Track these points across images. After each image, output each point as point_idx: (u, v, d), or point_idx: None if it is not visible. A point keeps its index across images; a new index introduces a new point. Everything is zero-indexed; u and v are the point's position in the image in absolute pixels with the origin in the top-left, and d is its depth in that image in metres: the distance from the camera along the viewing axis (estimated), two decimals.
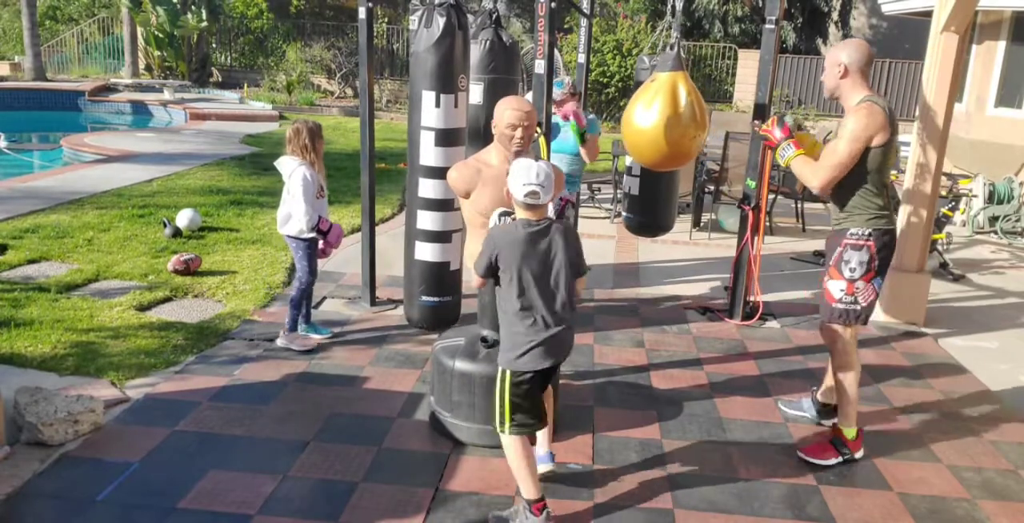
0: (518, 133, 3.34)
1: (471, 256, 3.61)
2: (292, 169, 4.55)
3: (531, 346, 3.00)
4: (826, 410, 4.08)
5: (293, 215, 4.58)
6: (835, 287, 3.68)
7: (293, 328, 4.73)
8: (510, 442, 3.07)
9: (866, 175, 3.57)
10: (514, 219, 3.08)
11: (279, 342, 4.70)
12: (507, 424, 3.06)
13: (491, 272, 3.04)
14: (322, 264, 5.45)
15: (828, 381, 4.06)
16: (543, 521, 3.03)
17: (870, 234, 3.62)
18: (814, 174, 3.59)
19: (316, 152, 4.61)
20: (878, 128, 3.48)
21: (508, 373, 3.05)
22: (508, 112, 3.33)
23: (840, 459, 3.70)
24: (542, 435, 3.41)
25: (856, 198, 3.62)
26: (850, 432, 3.73)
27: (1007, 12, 10.47)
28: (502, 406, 3.07)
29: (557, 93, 5.22)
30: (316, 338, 4.82)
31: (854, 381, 3.73)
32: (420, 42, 4.12)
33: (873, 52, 3.64)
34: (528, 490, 3.05)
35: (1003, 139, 10.29)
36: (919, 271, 5.67)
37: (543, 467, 3.35)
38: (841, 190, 3.64)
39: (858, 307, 3.66)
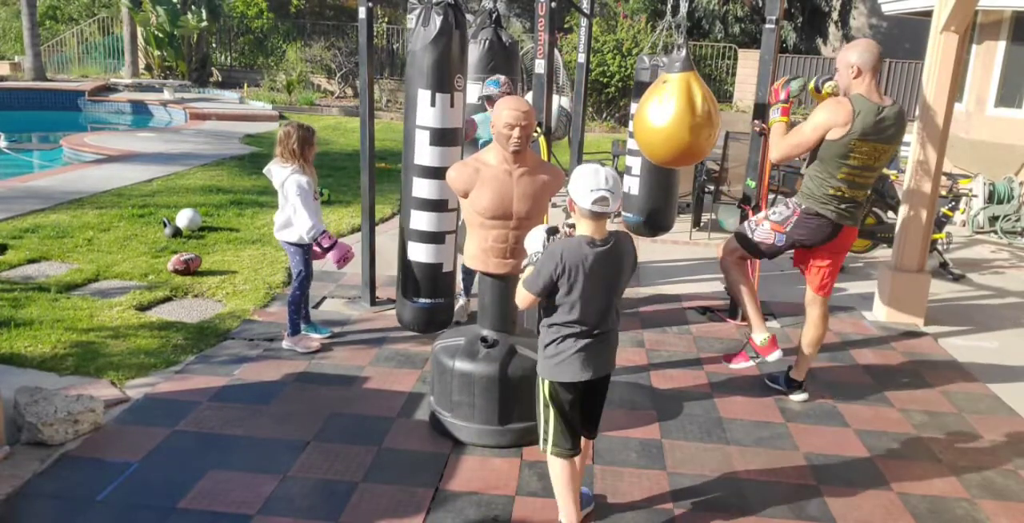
0: (515, 132, 3.35)
1: (472, 256, 3.61)
2: (285, 177, 4.48)
3: (571, 355, 2.84)
4: (795, 384, 4.41)
5: (293, 222, 4.53)
6: (752, 218, 4.33)
7: (295, 331, 4.72)
8: (556, 465, 2.95)
9: (819, 163, 3.96)
10: (569, 234, 2.84)
11: (284, 345, 4.70)
12: (550, 440, 2.92)
13: (548, 291, 2.79)
14: (321, 264, 5.45)
15: (802, 356, 4.40)
16: None
17: (803, 207, 4.07)
18: (775, 147, 4.06)
19: (304, 157, 4.50)
20: (837, 122, 3.81)
21: (547, 383, 2.90)
22: (506, 112, 3.35)
23: (751, 363, 4.29)
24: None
25: (808, 182, 4.05)
26: (759, 337, 4.21)
27: (1007, 12, 10.46)
28: (546, 419, 2.93)
29: (493, 91, 5.05)
30: (318, 338, 4.82)
31: (744, 292, 4.25)
32: (417, 40, 4.12)
33: (881, 51, 3.88)
34: (569, 515, 2.97)
35: (1003, 139, 10.28)
36: (919, 271, 5.67)
37: (584, 509, 3.19)
38: (804, 175, 4.13)
39: (749, 235, 4.22)
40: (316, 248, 4.59)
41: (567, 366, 2.85)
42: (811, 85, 4.29)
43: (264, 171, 4.63)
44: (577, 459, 3.02)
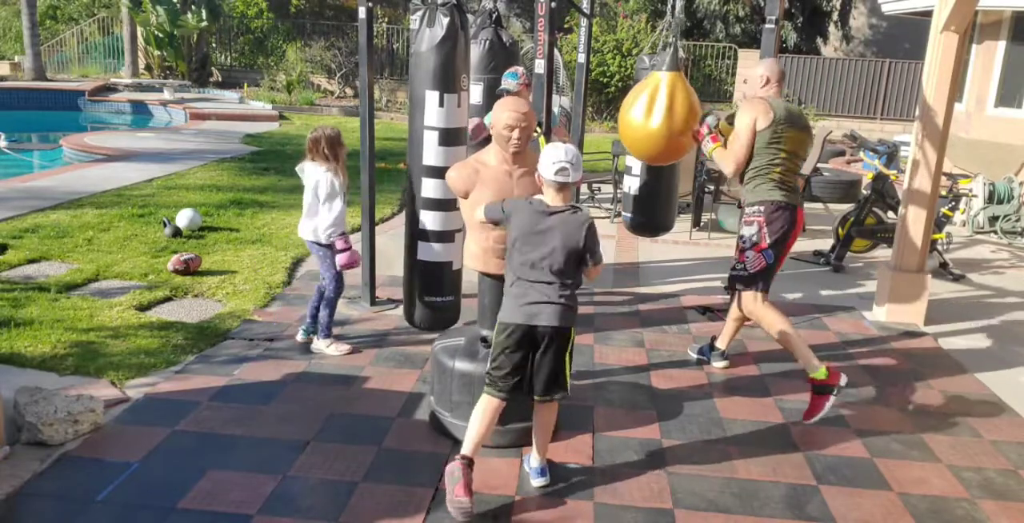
0: (515, 134, 3.36)
1: (472, 255, 3.62)
2: (319, 176, 4.45)
3: (513, 301, 3.18)
4: (717, 352, 4.72)
5: (320, 221, 4.50)
6: (734, 264, 4.37)
7: (326, 334, 4.65)
8: (484, 402, 3.24)
9: (756, 158, 4.24)
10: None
11: (315, 347, 4.64)
12: (486, 379, 3.25)
13: (494, 222, 3.29)
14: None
15: (726, 329, 4.69)
16: (455, 471, 3.12)
17: (759, 210, 4.24)
18: (724, 163, 4.33)
19: (337, 159, 4.48)
20: (757, 113, 4.20)
21: (498, 323, 3.24)
22: (505, 113, 3.35)
23: (833, 399, 4.04)
24: (535, 448, 3.42)
25: (752, 181, 4.29)
26: (819, 374, 4.07)
27: (1007, 12, 10.46)
28: (493, 357, 3.24)
29: (512, 84, 5.04)
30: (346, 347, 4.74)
31: (786, 333, 4.19)
32: (422, 42, 4.11)
33: (783, 67, 4.49)
34: (468, 446, 3.21)
35: (1003, 139, 10.29)
36: (919, 271, 5.67)
37: (538, 481, 3.38)
38: (746, 181, 4.35)
39: (745, 273, 4.29)
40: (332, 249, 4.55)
41: (508, 311, 3.19)
42: (721, 122, 4.67)
43: (296, 169, 4.61)
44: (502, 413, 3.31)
